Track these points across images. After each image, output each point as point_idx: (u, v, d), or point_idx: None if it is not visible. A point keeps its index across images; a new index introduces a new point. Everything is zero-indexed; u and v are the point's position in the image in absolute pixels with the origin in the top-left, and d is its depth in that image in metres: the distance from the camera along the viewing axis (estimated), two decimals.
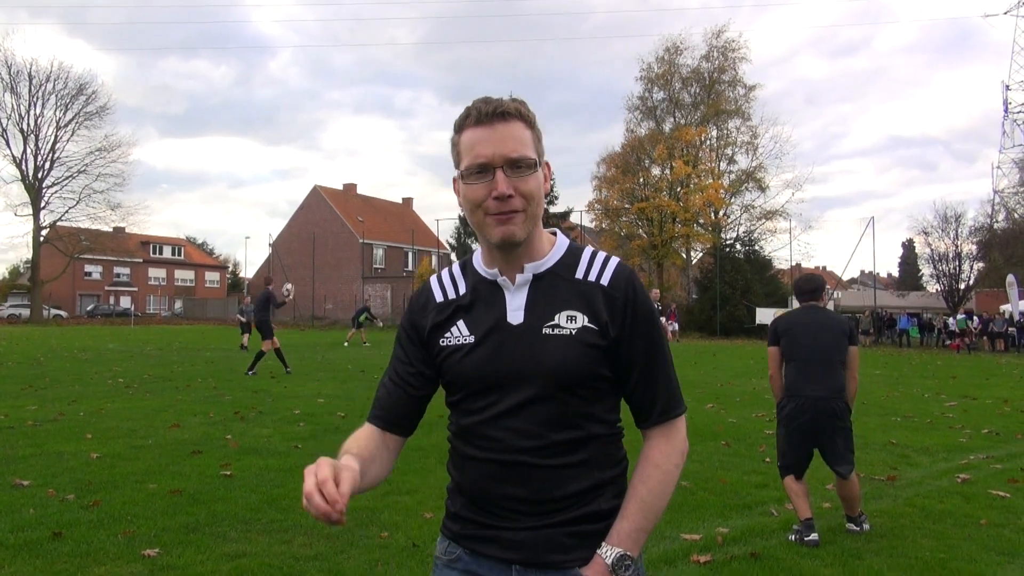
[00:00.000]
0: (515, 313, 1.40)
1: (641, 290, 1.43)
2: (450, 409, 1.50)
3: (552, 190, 37.31)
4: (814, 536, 4.34)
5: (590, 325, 1.38)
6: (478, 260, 1.50)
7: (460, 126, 1.41)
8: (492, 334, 1.40)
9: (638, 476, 1.41)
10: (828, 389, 4.49)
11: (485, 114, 1.36)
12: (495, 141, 1.35)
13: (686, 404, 1.48)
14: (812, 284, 4.90)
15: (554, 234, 1.50)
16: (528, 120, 1.40)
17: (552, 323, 1.38)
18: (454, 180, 1.45)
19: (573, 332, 1.37)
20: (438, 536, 1.53)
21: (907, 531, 4.59)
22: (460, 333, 1.43)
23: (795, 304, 5.18)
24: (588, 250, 1.47)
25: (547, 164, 1.45)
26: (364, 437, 1.46)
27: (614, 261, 1.45)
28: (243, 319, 21.58)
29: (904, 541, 4.40)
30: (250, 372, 13.57)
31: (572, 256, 1.45)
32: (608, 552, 1.35)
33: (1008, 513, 5.00)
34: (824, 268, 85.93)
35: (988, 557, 4.14)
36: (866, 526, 4.62)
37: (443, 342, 1.45)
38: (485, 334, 1.41)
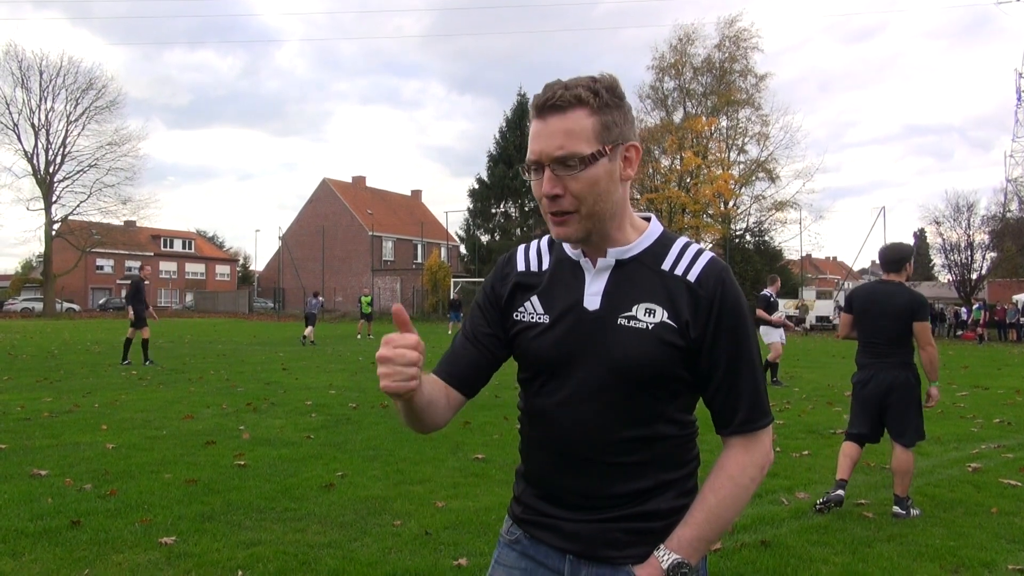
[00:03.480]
0: (592, 298, 1.33)
1: (732, 289, 1.32)
2: (520, 386, 1.45)
3: None
4: (838, 493, 4.73)
5: (669, 322, 1.29)
6: None
7: (530, 116, 1.32)
8: (566, 317, 1.34)
9: (709, 484, 1.34)
10: (890, 362, 4.70)
11: (538, 106, 1.28)
12: (544, 136, 1.26)
13: (772, 415, 1.39)
14: (889, 255, 4.89)
15: (647, 219, 1.40)
16: (591, 105, 1.25)
17: (628, 314, 1.30)
18: None
19: (649, 327, 1.29)
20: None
21: (918, 519, 4.60)
22: (534, 310, 1.38)
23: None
24: (680, 241, 1.37)
25: (633, 147, 1.32)
26: (431, 380, 1.40)
27: (706, 256, 1.34)
28: (314, 312, 22.04)
29: (915, 529, 4.41)
30: (124, 362, 13.77)
31: (661, 245, 1.36)
32: (665, 556, 1.29)
33: (1019, 502, 5.00)
34: (835, 258, 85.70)
35: (999, 545, 4.15)
36: (914, 511, 4.66)
37: (516, 316, 1.40)
38: (559, 316, 1.35)
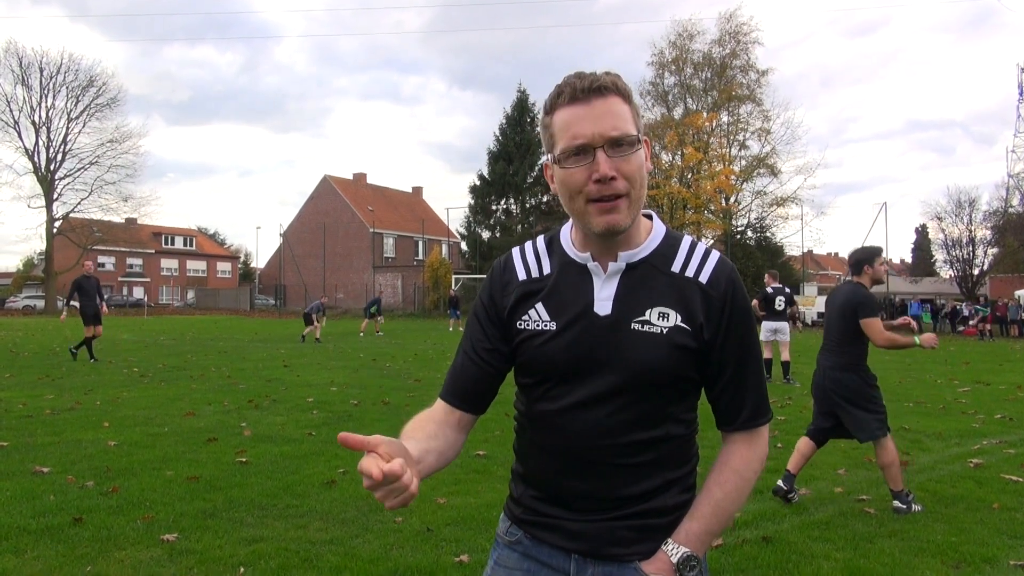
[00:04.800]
0: (603, 303, 1.31)
1: (740, 289, 1.33)
2: (520, 389, 1.43)
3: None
4: (778, 483, 4.85)
5: (683, 325, 1.28)
6: (567, 239, 1.38)
7: (552, 105, 1.29)
8: (576, 323, 1.31)
9: (714, 478, 1.35)
10: (834, 362, 4.80)
11: (581, 90, 1.24)
12: (593, 119, 1.23)
13: (772, 411, 1.41)
14: (850, 259, 5.09)
15: (649, 218, 1.39)
16: (625, 94, 1.28)
17: (642, 319, 1.29)
18: (545, 166, 1.35)
19: (664, 331, 1.28)
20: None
21: (919, 515, 4.59)
22: (540, 317, 1.34)
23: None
24: (687, 240, 1.37)
25: (647, 141, 1.32)
26: (426, 419, 1.38)
27: (714, 256, 1.34)
28: (308, 312, 21.99)
29: (916, 525, 4.41)
30: (78, 355, 13.91)
31: (669, 246, 1.35)
32: (674, 550, 1.29)
33: (1021, 497, 5.00)
34: (836, 254, 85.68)
35: (1000, 541, 4.14)
36: (916, 507, 4.65)
37: (521, 324, 1.36)
38: (569, 322, 1.32)
